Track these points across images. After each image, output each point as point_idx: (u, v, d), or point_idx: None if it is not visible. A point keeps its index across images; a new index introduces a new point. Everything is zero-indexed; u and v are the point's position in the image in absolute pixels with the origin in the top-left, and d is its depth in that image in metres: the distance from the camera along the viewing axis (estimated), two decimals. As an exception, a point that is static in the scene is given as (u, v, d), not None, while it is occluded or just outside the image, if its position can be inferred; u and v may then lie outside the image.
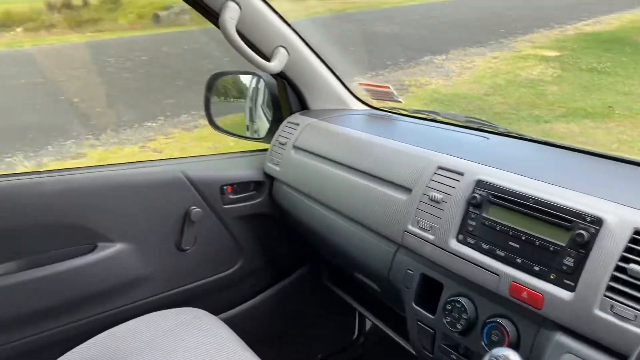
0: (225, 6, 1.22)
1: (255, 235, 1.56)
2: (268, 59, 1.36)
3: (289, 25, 1.38)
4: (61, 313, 1.28)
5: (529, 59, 7.50)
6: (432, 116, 1.45)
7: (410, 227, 1.04)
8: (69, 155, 4.73)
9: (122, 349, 1.09)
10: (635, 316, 0.69)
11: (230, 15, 1.23)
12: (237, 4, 1.24)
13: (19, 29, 14.89)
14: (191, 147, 4.80)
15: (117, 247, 1.33)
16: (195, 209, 1.41)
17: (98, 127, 5.43)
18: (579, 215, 0.80)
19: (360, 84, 1.55)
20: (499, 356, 0.69)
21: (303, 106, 1.53)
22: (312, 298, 1.72)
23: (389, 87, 1.46)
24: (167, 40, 10.25)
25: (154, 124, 5.47)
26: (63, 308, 1.28)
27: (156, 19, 12.54)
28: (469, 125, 1.33)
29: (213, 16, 1.27)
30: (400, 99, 1.49)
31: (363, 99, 1.61)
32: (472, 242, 0.92)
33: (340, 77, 1.55)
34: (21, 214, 1.22)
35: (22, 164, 4.51)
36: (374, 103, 1.61)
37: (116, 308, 1.35)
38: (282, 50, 1.37)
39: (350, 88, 1.59)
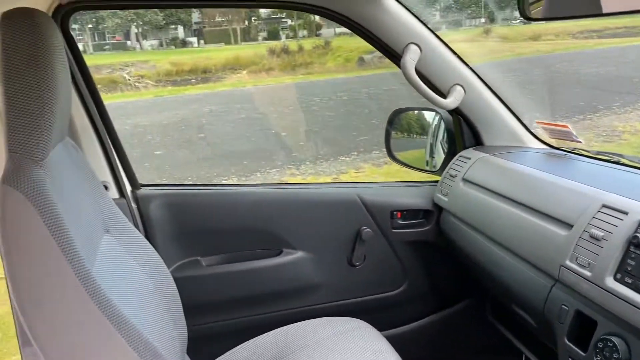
0: (407, 49, 1.38)
1: (421, 261, 1.65)
2: (444, 96, 1.47)
3: (466, 64, 1.48)
4: (248, 304, 1.53)
5: None
6: (616, 158, 1.40)
7: (568, 263, 1.04)
8: (272, 181, 5.35)
9: (294, 343, 1.27)
10: None
11: (411, 57, 1.38)
12: (418, 46, 1.39)
13: (244, 72, 17.21)
14: (378, 182, 5.04)
15: (298, 254, 1.55)
16: (366, 229, 1.56)
17: (299, 159, 6.05)
18: None
19: (538, 122, 1.56)
20: None
21: (477, 142, 1.59)
22: (475, 332, 1.73)
23: (567, 127, 1.45)
24: (368, 82, 10.92)
25: (347, 159, 5.89)
26: (250, 300, 1.53)
27: (361, 62, 13.45)
28: None
29: (396, 58, 1.43)
30: (579, 139, 1.46)
31: (543, 139, 1.61)
32: (630, 281, 0.90)
33: (519, 115, 1.58)
34: (230, 217, 1.51)
35: (234, 186, 5.23)
36: (554, 143, 1.59)
37: (290, 308, 1.56)
38: (458, 87, 1.47)
39: (531, 127, 1.61)
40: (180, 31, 26.23)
